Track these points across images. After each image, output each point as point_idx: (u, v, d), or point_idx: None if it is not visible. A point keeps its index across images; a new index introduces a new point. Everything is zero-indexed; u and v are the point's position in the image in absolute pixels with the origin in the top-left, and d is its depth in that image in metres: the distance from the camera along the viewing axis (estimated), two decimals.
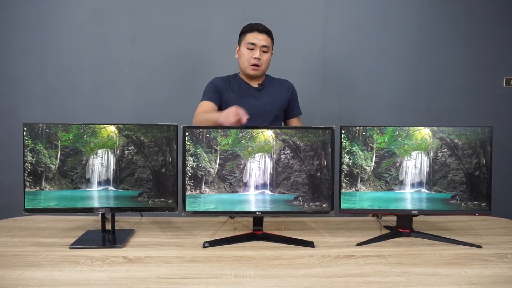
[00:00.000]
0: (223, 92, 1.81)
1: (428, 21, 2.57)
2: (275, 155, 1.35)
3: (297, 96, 1.93)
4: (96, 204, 1.34)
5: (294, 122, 1.93)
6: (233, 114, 1.42)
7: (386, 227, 1.52)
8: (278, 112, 1.84)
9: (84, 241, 1.32)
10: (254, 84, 1.85)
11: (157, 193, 1.36)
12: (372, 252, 1.25)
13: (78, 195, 1.34)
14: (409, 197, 1.39)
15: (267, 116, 1.80)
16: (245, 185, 1.35)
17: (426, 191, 1.39)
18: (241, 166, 1.35)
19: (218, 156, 1.34)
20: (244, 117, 1.42)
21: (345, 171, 1.39)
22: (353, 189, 1.40)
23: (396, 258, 1.20)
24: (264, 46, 1.75)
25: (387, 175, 1.39)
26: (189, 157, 1.34)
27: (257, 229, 1.39)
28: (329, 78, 2.58)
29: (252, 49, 1.75)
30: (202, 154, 1.34)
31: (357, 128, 1.39)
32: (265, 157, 1.35)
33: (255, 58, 1.74)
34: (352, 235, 1.44)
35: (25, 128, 1.32)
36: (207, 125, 1.59)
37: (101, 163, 1.34)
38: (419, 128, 1.39)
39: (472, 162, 1.38)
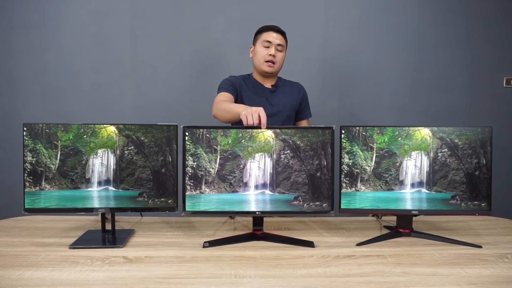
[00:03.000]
0: (240, 89, 1.82)
1: (428, 21, 2.56)
2: (275, 155, 1.35)
3: (307, 99, 1.96)
4: (96, 204, 1.34)
5: (303, 124, 1.95)
6: (256, 117, 1.34)
7: (386, 227, 1.52)
8: (291, 112, 1.87)
9: (84, 241, 1.32)
10: (268, 84, 1.87)
11: (157, 193, 1.36)
12: (372, 252, 1.25)
13: (78, 195, 1.34)
14: (409, 197, 1.39)
15: (280, 116, 1.82)
16: (245, 185, 1.35)
17: (426, 191, 1.39)
18: (241, 166, 1.35)
19: (218, 156, 1.34)
20: (264, 126, 1.34)
21: (345, 171, 1.39)
22: (353, 189, 1.40)
23: (396, 258, 1.20)
24: (279, 44, 1.79)
25: (387, 175, 1.39)
26: (189, 157, 1.34)
27: (257, 229, 1.39)
28: (329, 78, 2.58)
29: (267, 47, 1.78)
30: (202, 154, 1.34)
31: (357, 128, 1.39)
32: (265, 157, 1.35)
33: (270, 55, 1.77)
34: (352, 235, 1.44)
35: (25, 128, 1.32)
36: (226, 115, 1.60)
37: (101, 163, 1.34)
38: (419, 128, 1.39)
39: (472, 162, 1.38)
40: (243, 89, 1.82)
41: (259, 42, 1.81)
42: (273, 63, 1.79)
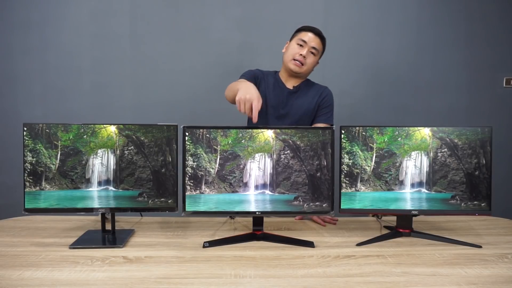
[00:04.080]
0: (260, 82, 1.77)
1: (428, 21, 2.56)
2: (275, 155, 1.35)
3: (331, 104, 1.82)
4: (96, 204, 1.34)
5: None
6: (248, 106, 1.36)
7: (386, 227, 1.52)
8: (304, 115, 1.77)
9: (84, 241, 1.32)
10: (289, 85, 1.80)
11: (157, 193, 1.36)
12: (372, 252, 1.25)
13: (78, 195, 1.34)
14: (409, 197, 1.39)
15: (292, 118, 1.76)
16: (245, 185, 1.35)
17: (426, 191, 1.39)
18: (241, 166, 1.35)
19: (218, 156, 1.34)
20: (255, 119, 1.36)
21: (345, 171, 1.39)
22: (353, 189, 1.40)
23: (396, 258, 1.20)
24: (314, 47, 1.72)
25: (387, 175, 1.39)
26: (189, 157, 1.34)
27: (257, 229, 1.39)
28: (329, 78, 2.58)
29: (301, 46, 1.72)
30: (202, 154, 1.34)
31: (357, 128, 1.40)
32: (265, 157, 1.35)
33: (301, 55, 1.71)
34: (352, 235, 1.44)
35: (25, 128, 1.32)
36: (230, 94, 1.57)
37: (101, 163, 1.34)
38: (419, 128, 1.39)
39: (472, 162, 1.38)
40: (262, 83, 1.77)
41: (295, 39, 1.75)
42: (302, 64, 1.72)
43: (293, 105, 1.77)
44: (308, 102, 1.78)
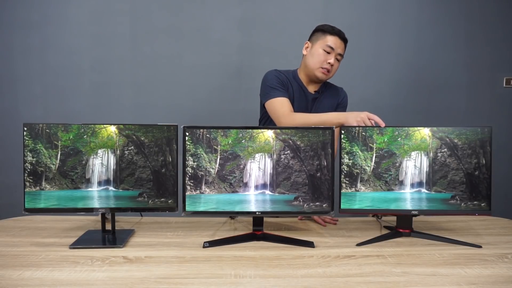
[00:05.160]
0: (287, 88, 1.71)
1: (427, 21, 2.57)
2: (275, 155, 1.35)
3: (347, 105, 1.86)
4: (96, 204, 1.34)
5: None
6: (371, 123, 1.42)
7: (386, 227, 1.52)
8: None
9: (84, 241, 1.32)
10: (311, 89, 1.77)
11: (157, 193, 1.36)
12: (372, 252, 1.25)
13: (78, 195, 1.34)
14: (409, 197, 1.39)
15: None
16: (245, 185, 1.35)
17: (426, 191, 1.39)
18: (241, 166, 1.35)
19: (218, 156, 1.34)
20: (383, 124, 1.41)
21: (345, 172, 1.39)
22: (353, 189, 1.40)
23: (396, 258, 1.20)
24: (339, 54, 1.69)
25: (387, 175, 1.39)
26: (189, 157, 1.34)
27: (257, 229, 1.39)
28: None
29: (328, 53, 1.66)
30: (202, 154, 1.34)
31: (357, 128, 1.40)
32: (265, 157, 1.35)
33: (329, 63, 1.66)
34: (352, 235, 1.44)
35: (25, 128, 1.32)
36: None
37: (101, 163, 1.34)
38: (418, 128, 1.39)
39: (472, 162, 1.38)
40: (289, 89, 1.71)
41: (320, 43, 1.67)
42: (329, 71, 1.68)
43: (317, 110, 1.74)
44: (329, 105, 1.78)
